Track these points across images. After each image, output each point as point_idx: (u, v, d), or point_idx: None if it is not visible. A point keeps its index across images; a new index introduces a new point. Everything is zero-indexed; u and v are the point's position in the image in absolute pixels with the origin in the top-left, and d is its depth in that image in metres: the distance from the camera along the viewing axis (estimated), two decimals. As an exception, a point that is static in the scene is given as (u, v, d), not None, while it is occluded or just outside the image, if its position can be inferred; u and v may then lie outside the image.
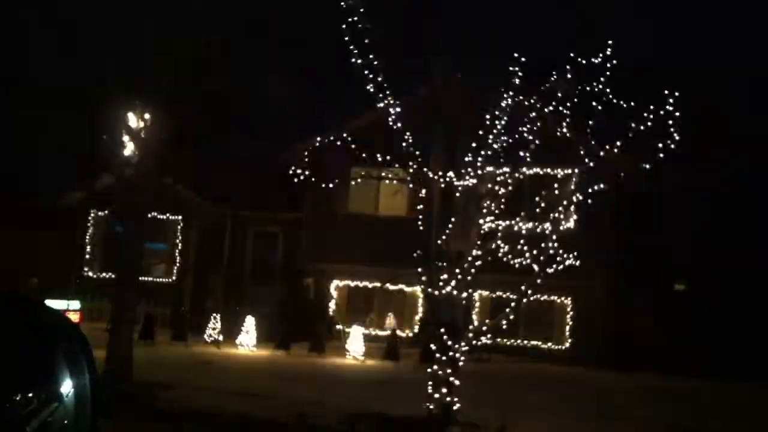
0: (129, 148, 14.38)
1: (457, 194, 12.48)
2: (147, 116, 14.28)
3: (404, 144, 12.61)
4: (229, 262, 27.98)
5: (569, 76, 12.05)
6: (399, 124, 12.62)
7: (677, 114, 11.75)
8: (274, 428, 11.37)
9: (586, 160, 12.61)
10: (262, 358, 20.42)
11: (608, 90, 12.11)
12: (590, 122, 12.37)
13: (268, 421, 11.60)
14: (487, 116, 12.41)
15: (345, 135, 24.81)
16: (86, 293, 25.55)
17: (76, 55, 14.01)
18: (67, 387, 2.19)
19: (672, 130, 11.76)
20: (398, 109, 12.70)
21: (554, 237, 12.74)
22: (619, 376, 21.31)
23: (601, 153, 12.78)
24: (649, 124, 11.92)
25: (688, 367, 21.74)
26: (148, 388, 13.42)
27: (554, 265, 12.54)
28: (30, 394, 2.09)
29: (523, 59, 12.08)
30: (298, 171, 13.65)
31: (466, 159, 12.42)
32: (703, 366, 21.49)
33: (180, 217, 27.56)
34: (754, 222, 27.99)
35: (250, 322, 22.29)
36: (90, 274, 27.71)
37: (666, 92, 11.82)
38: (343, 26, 12.07)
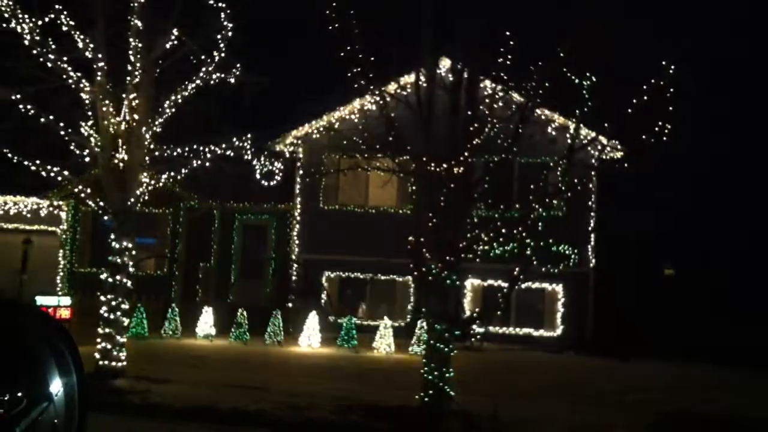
0: (117, 142, 14.29)
1: (448, 183, 12.44)
2: (134, 110, 14.19)
3: (393, 133, 12.57)
4: (218, 254, 27.92)
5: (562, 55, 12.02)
6: (387, 113, 12.58)
7: (667, 94, 11.79)
8: (268, 421, 11.35)
9: (575, 146, 12.62)
10: (254, 350, 20.41)
11: (595, 74, 12.12)
12: (578, 108, 12.38)
13: (263, 414, 11.58)
14: (478, 105, 12.38)
15: (333, 124, 24.96)
16: (77, 289, 25.49)
17: (63, 47, 13.89)
18: (56, 386, 2.17)
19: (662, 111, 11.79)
20: (386, 98, 12.67)
21: (544, 224, 12.76)
22: (611, 363, 21.39)
23: (590, 137, 12.81)
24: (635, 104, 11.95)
25: (679, 353, 21.83)
26: (141, 382, 13.39)
27: (545, 253, 12.56)
28: (19, 394, 2.07)
29: (512, 42, 12.04)
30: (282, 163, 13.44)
31: (457, 147, 12.39)
32: (694, 351, 21.56)
33: (169, 211, 27.50)
34: (741, 207, 28.06)
35: (241, 314, 22.27)
36: (80, 269, 27.61)
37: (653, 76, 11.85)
38: (330, 14, 12.02)
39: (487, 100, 12.35)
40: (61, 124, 14.04)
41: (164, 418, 11.22)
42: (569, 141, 12.77)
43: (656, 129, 11.94)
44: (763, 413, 14.01)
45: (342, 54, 12.21)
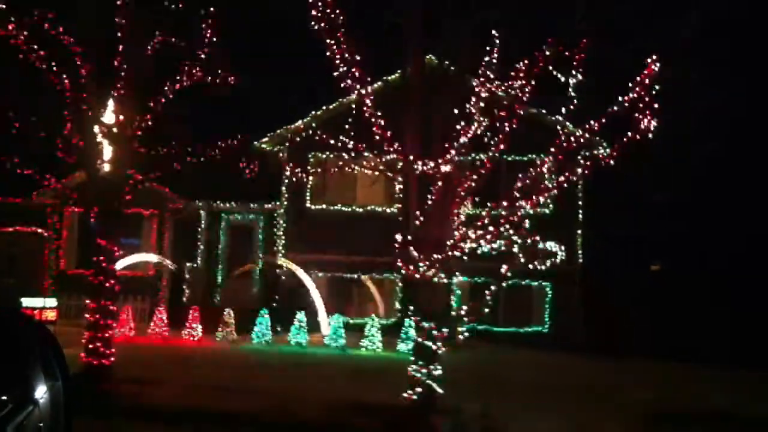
0: (102, 144, 14.21)
1: (435, 181, 12.45)
2: (120, 111, 14.12)
3: (379, 132, 12.56)
4: (205, 255, 27.84)
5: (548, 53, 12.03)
6: (374, 112, 12.57)
7: (653, 91, 11.83)
8: (258, 422, 11.30)
9: (562, 143, 12.64)
10: (242, 351, 20.35)
11: (582, 72, 12.15)
12: (564, 106, 12.40)
13: (252, 415, 11.54)
14: (464, 103, 12.39)
15: (320, 123, 24.94)
16: (64, 290, 25.34)
17: (47, 46, 13.81)
18: (41, 391, 2.16)
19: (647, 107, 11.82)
20: (372, 97, 12.66)
21: (531, 222, 12.78)
22: (600, 361, 21.46)
23: (577, 134, 12.85)
24: (625, 103, 11.98)
25: (669, 350, 21.86)
26: (128, 385, 13.32)
27: (532, 250, 12.59)
28: (4, 398, 2.06)
29: (498, 41, 12.05)
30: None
31: (442, 146, 12.40)
32: (684, 349, 21.58)
33: (155, 212, 27.41)
34: (733, 204, 28.08)
35: (228, 314, 22.22)
36: (67, 271, 27.48)
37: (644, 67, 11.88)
38: (315, 13, 12.00)
39: (474, 98, 12.36)
40: (46, 126, 13.96)
41: (152, 421, 11.16)
42: (557, 139, 12.79)
43: (642, 126, 11.99)
44: (754, 411, 14.01)
45: (328, 54, 12.19)
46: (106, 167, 14.25)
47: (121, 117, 14.14)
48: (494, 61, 12.09)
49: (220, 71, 14.86)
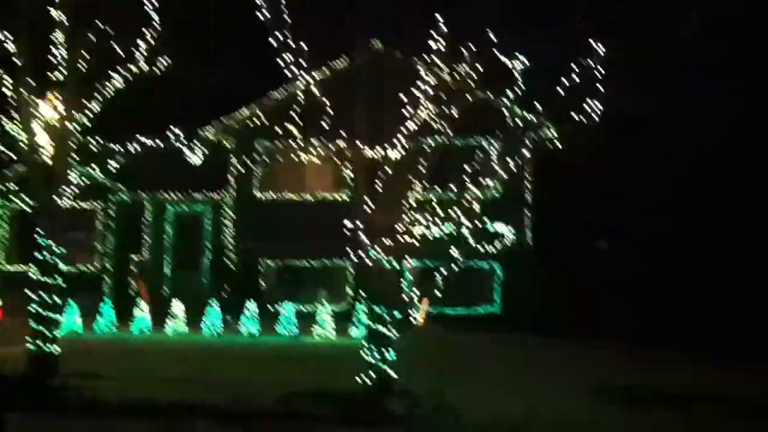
0: (42, 137, 13.88)
1: (383, 167, 12.47)
2: (59, 104, 13.80)
3: (327, 119, 12.52)
4: (151, 246, 27.46)
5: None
6: (321, 99, 12.52)
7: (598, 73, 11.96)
8: (211, 412, 11.19)
9: (509, 127, 12.76)
10: (191, 343, 20.17)
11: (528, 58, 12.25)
12: (511, 91, 12.48)
13: (205, 406, 11.43)
14: (411, 88, 12.40)
15: (266, 111, 24.74)
16: (6, 288, 24.77)
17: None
18: None
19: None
20: (319, 83, 12.60)
21: (480, 205, 12.88)
22: (551, 340, 21.73)
23: (524, 118, 12.97)
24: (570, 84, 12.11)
25: (615, 330, 22.15)
26: (76, 380, 13.09)
27: (481, 232, 12.70)
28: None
29: (445, 29, 12.06)
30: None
31: (391, 131, 12.41)
32: (632, 329, 21.86)
33: (98, 204, 26.98)
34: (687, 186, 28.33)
35: (178, 306, 22.00)
36: (9, 268, 26.92)
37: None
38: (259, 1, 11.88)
39: (421, 83, 12.37)
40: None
41: (102, 416, 10.98)
42: (504, 122, 12.91)
43: (586, 108, 12.13)
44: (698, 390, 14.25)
45: (273, 41, 12.07)
46: (48, 161, 13.93)
47: (62, 110, 13.84)
48: (442, 47, 12.10)
49: (160, 62, 14.62)
